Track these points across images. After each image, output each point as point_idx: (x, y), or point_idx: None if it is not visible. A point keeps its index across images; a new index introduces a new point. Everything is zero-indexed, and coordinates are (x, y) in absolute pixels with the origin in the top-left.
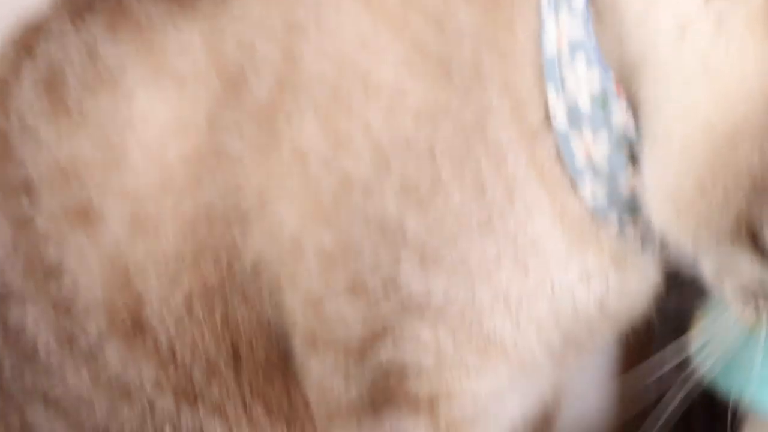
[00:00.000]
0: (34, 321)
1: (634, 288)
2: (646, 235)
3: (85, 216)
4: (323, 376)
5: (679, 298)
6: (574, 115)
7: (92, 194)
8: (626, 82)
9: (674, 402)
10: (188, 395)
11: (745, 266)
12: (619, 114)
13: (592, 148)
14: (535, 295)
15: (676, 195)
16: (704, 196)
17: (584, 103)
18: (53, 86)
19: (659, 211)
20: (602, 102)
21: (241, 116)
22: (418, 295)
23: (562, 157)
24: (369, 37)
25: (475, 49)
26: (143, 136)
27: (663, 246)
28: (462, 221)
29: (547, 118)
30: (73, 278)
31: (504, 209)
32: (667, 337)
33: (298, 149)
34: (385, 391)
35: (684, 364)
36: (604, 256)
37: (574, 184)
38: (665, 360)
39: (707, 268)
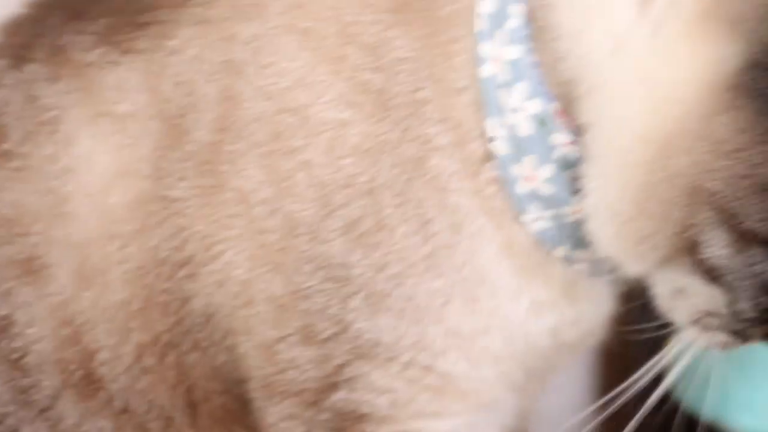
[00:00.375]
0: None
1: (588, 316)
2: (597, 262)
3: (30, 267)
4: (281, 424)
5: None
6: (514, 142)
7: (37, 244)
8: (567, 102)
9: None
10: None
11: (692, 288)
12: (560, 137)
13: (534, 174)
14: (486, 329)
15: (616, 213)
16: (642, 211)
17: (524, 129)
18: None
19: (601, 234)
20: (542, 126)
21: (183, 159)
22: (367, 336)
23: (504, 185)
24: (307, 74)
25: (412, 79)
26: (85, 182)
27: (616, 270)
28: (407, 257)
29: (489, 146)
30: (22, 332)
31: (449, 242)
32: (645, 354)
33: (241, 192)
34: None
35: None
36: (554, 286)
37: (519, 214)
38: (641, 377)
39: (659, 292)
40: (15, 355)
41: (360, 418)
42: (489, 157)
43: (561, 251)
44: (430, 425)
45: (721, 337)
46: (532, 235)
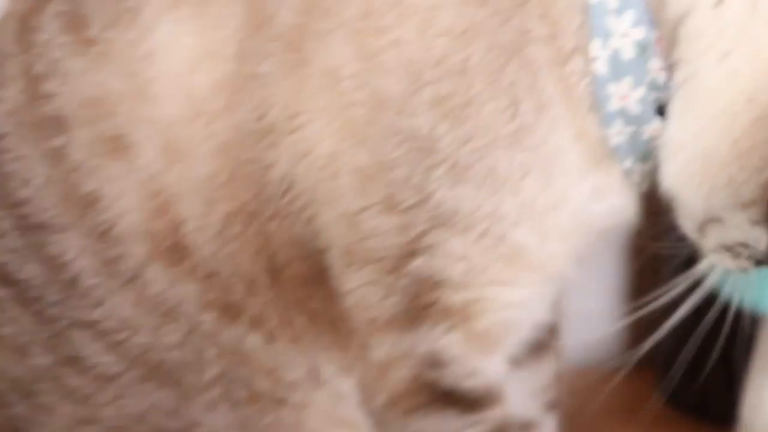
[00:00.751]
0: (74, 249)
1: (621, 216)
2: (646, 175)
3: (117, 146)
4: (361, 290)
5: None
6: (614, 64)
7: (123, 124)
8: (667, 36)
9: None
10: (229, 311)
11: (735, 222)
12: (656, 63)
13: (629, 94)
14: (556, 205)
15: (708, 154)
16: (739, 159)
17: (627, 53)
18: (76, 18)
19: (679, 164)
20: (642, 52)
21: (268, 40)
22: (448, 205)
23: (592, 92)
24: None
25: None
26: (168, 65)
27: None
28: (493, 132)
29: (578, 46)
30: (110, 206)
31: (532, 122)
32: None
33: (329, 68)
34: (419, 303)
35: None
36: (610, 179)
37: (593, 110)
38: (675, 285)
39: (691, 221)
40: (102, 228)
41: (436, 284)
42: (577, 55)
43: (627, 162)
44: (501, 293)
45: (747, 264)
46: (601, 135)
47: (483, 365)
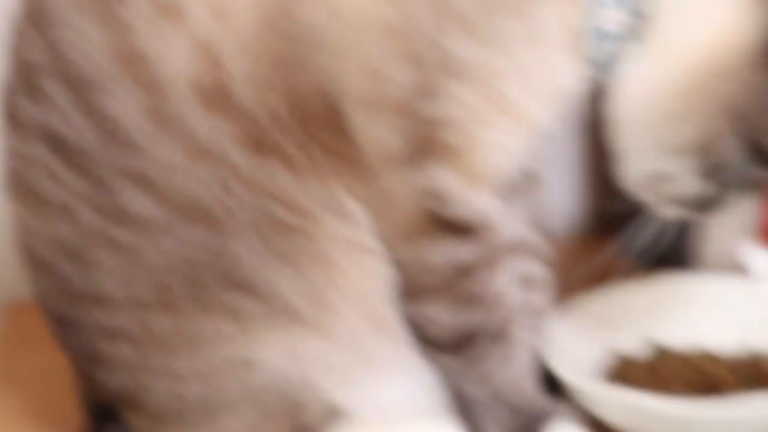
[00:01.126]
0: (121, 102)
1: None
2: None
3: (170, 10)
4: (375, 130)
5: None
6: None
7: None
8: None
9: None
10: (259, 147)
11: (681, 177)
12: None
13: (618, 18)
14: (544, 71)
15: (663, 89)
16: (688, 99)
17: None
18: None
19: (637, 94)
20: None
21: None
22: (458, 59)
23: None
24: None
25: None
26: None
27: None
28: (501, 1)
29: None
30: (160, 61)
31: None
32: None
33: None
34: (424, 142)
35: None
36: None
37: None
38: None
39: (635, 171)
40: (150, 79)
41: (439, 125)
42: None
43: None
44: (490, 137)
45: (688, 211)
46: (584, 35)
47: (472, 197)
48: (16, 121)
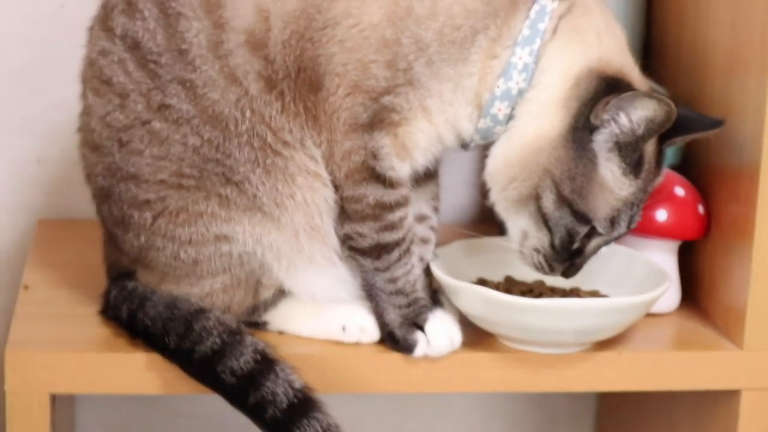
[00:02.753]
0: (195, 30)
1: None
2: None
3: None
4: (351, 106)
5: None
6: (508, 89)
7: None
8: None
9: None
10: (269, 83)
11: (531, 231)
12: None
13: (502, 107)
14: (451, 107)
15: (508, 160)
16: (522, 167)
17: (515, 86)
18: None
19: (494, 161)
20: (516, 95)
21: None
22: (414, 74)
23: (497, 83)
24: None
25: (487, 20)
26: None
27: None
28: (449, 55)
29: (502, 57)
30: (232, 11)
31: (467, 61)
32: None
33: None
34: (377, 118)
35: None
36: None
37: (489, 90)
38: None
39: (512, 232)
40: (221, 21)
41: (391, 110)
42: (500, 61)
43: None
44: (420, 124)
45: (541, 264)
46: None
47: (398, 166)
48: (106, 27)
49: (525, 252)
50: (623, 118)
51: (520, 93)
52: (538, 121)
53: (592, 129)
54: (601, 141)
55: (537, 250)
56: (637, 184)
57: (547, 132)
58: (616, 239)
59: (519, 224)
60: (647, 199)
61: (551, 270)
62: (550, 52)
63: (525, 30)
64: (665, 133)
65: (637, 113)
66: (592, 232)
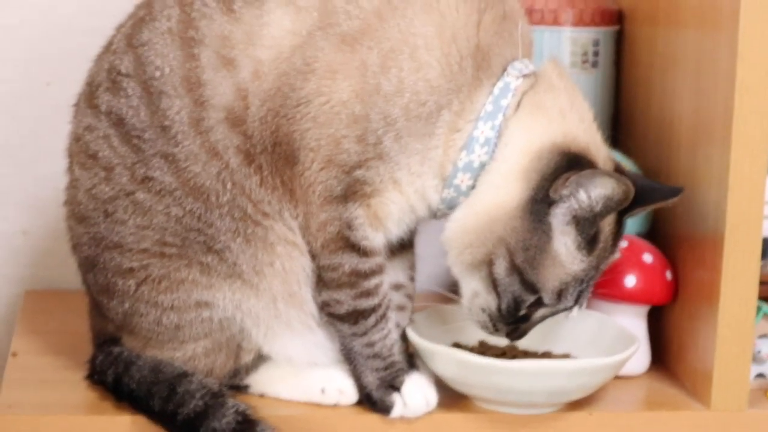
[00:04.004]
0: (177, 108)
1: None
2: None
3: (229, 62)
4: (324, 180)
5: None
6: (470, 161)
7: (237, 52)
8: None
9: None
10: (248, 157)
11: (481, 292)
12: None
13: (465, 179)
14: (419, 179)
15: (464, 228)
16: (476, 235)
17: (476, 161)
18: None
19: (451, 229)
20: (477, 169)
21: (331, 34)
22: (383, 149)
23: (459, 156)
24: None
25: (450, 96)
26: (271, 31)
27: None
28: (416, 132)
29: (464, 131)
30: (212, 90)
31: (432, 138)
32: None
33: (364, 63)
34: (350, 191)
35: None
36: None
37: (452, 165)
38: None
39: (464, 292)
40: (201, 100)
41: (364, 182)
42: (462, 135)
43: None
44: (391, 196)
45: (486, 324)
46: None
47: (372, 235)
48: (91, 104)
49: (473, 309)
50: (582, 195)
51: (482, 165)
52: (497, 192)
53: (550, 203)
54: (559, 215)
55: (483, 310)
56: (589, 261)
57: (505, 202)
58: (562, 311)
59: (470, 285)
60: (599, 276)
61: (495, 330)
62: (513, 127)
63: (488, 106)
64: (626, 206)
65: (596, 191)
66: (539, 303)
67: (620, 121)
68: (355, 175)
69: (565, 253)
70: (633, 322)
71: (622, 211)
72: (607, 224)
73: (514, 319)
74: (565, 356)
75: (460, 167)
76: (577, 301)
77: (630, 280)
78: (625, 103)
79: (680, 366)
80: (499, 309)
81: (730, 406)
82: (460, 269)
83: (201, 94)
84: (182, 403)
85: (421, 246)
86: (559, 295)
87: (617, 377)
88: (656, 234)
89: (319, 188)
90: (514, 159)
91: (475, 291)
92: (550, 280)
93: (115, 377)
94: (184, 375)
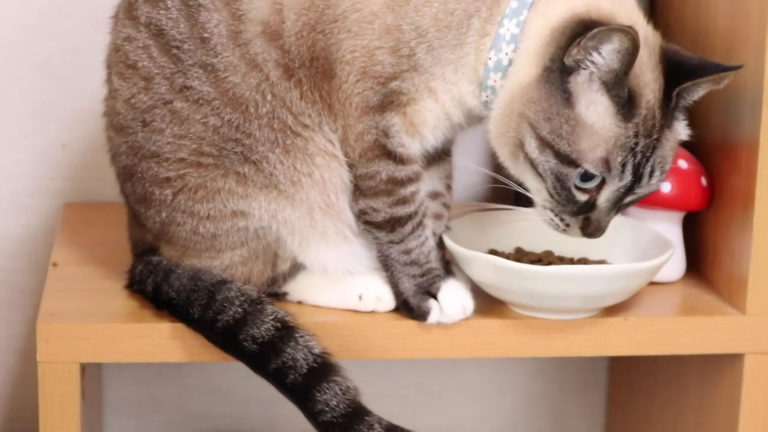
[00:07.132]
0: (215, 20)
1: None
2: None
3: None
4: (362, 91)
5: None
6: (499, 57)
7: None
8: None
9: None
10: (287, 71)
11: (532, 185)
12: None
13: (496, 78)
14: (455, 85)
15: (498, 114)
16: (505, 118)
17: (505, 55)
18: None
19: (492, 118)
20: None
21: None
22: (417, 59)
23: (490, 55)
24: None
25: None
26: None
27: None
28: (448, 41)
29: (491, 33)
30: (248, 3)
31: (464, 44)
32: None
33: None
34: (387, 101)
35: None
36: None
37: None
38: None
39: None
40: (239, 13)
41: (400, 93)
42: (491, 36)
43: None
44: (427, 104)
45: (552, 220)
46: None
47: (408, 142)
48: (131, 15)
49: (540, 211)
50: (596, 56)
51: (510, 62)
52: (518, 74)
53: (569, 72)
54: (581, 82)
55: (544, 206)
56: (631, 127)
57: (524, 80)
58: (641, 195)
59: (527, 182)
60: (662, 150)
61: (566, 226)
62: (535, 17)
63: (513, 2)
64: (674, 78)
65: (606, 47)
66: (592, 179)
67: (655, 27)
68: (390, 86)
69: (596, 118)
70: (668, 228)
71: (671, 84)
72: (650, 91)
73: (575, 206)
74: (601, 263)
75: (491, 67)
76: (639, 178)
77: (665, 187)
78: (660, 8)
79: (715, 272)
80: (549, 194)
81: (765, 311)
82: (509, 165)
83: (238, 8)
84: (221, 310)
85: (458, 156)
86: (608, 165)
87: (653, 283)
88: (691, 140)
89: (356, 100)
90: (533, 40)
91: (531, 188)
92: (587, 148)
93: (154, 286)
94: (222, 282)
